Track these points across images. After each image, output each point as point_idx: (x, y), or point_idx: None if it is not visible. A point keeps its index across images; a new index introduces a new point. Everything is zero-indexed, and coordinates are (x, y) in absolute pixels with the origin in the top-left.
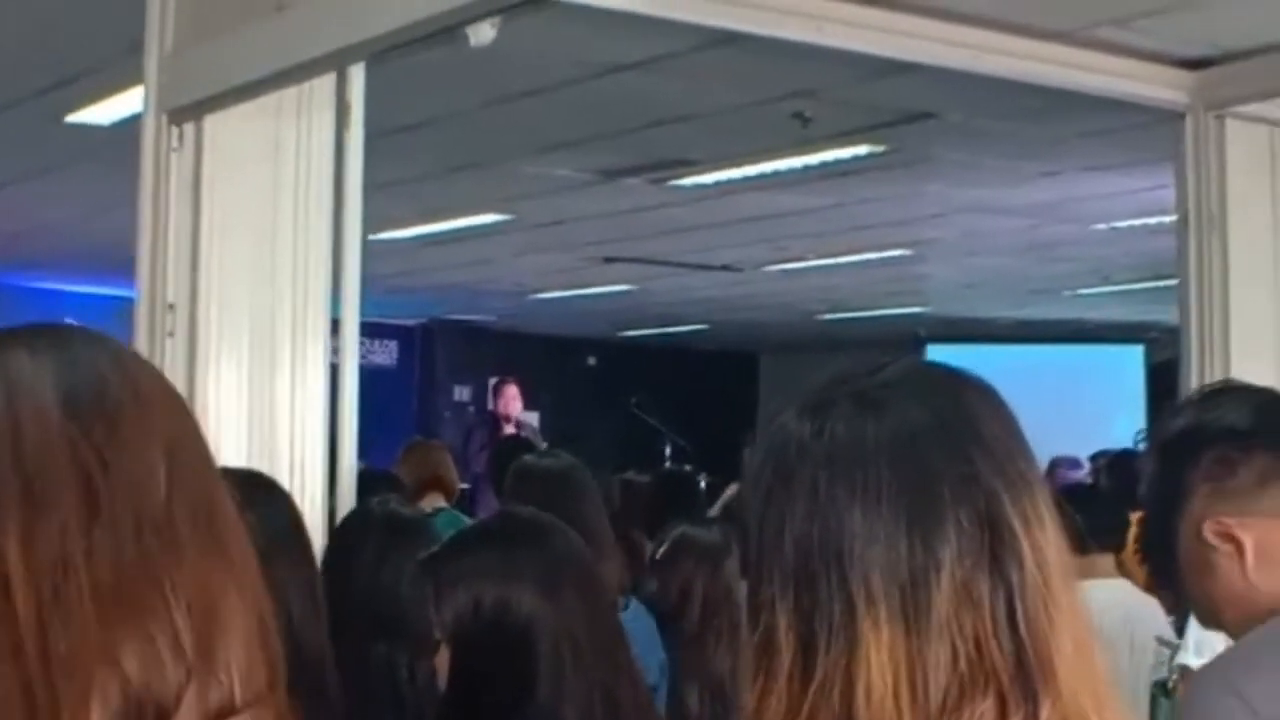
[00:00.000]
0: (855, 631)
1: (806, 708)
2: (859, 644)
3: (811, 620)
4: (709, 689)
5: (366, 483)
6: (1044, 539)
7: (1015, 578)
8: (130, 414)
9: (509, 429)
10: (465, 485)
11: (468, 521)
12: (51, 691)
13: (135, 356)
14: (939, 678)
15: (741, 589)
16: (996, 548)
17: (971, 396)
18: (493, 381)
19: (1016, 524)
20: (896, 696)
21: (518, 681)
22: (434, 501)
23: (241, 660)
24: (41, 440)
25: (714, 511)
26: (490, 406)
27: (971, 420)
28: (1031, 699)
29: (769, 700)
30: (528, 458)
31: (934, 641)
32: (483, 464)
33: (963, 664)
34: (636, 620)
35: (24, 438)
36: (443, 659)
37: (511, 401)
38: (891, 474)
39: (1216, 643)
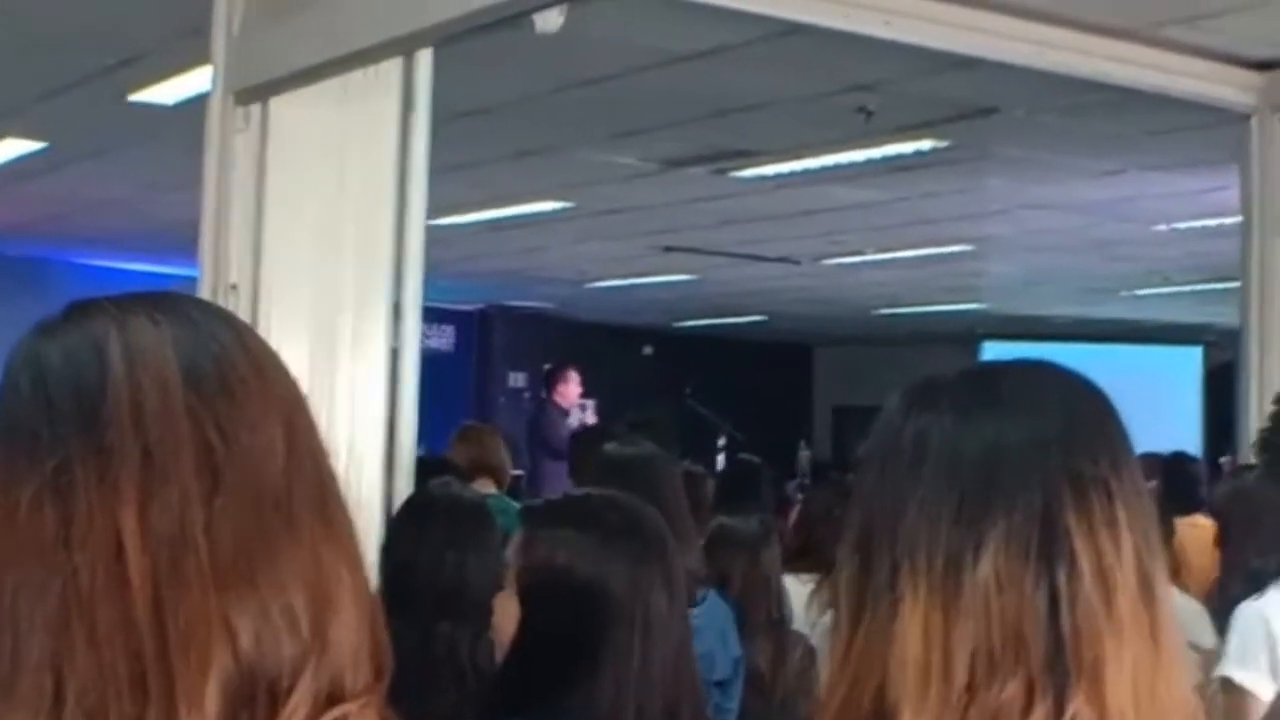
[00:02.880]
0: (895, 601)
1: (850, 670)
2: (897, 613)
3: (864, 588)
4: (747, 680)
5: (424, 469)
6: (1111, 547)
7: (1062, 575)
8: (253, 388)
9: (571, 419)
10: (518, 472)
11: (516, 507)
12: (165, 664)
13: (253, 331)
14: (965, 654)
15: (779, 579)
16: (1046, 544)
17: (1071, 398)
18: (546, 368)
19: (1074, 525)
20: (926, 666)
21: (586, 657)
22: (484, 487)
23: (353, 644)
24: (163, 409)
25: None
26: (545, 394)
27: (1060, 422)
28: (1060, 690)
29: (832, 655)
30: (609, 446)
31: (966, 620)
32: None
33: (997, 646)
34: (713, 612)
35: (145, 407)
36: (505, 606)
37: (571, 388)
38: (955, 462)
39: (1260, 653)
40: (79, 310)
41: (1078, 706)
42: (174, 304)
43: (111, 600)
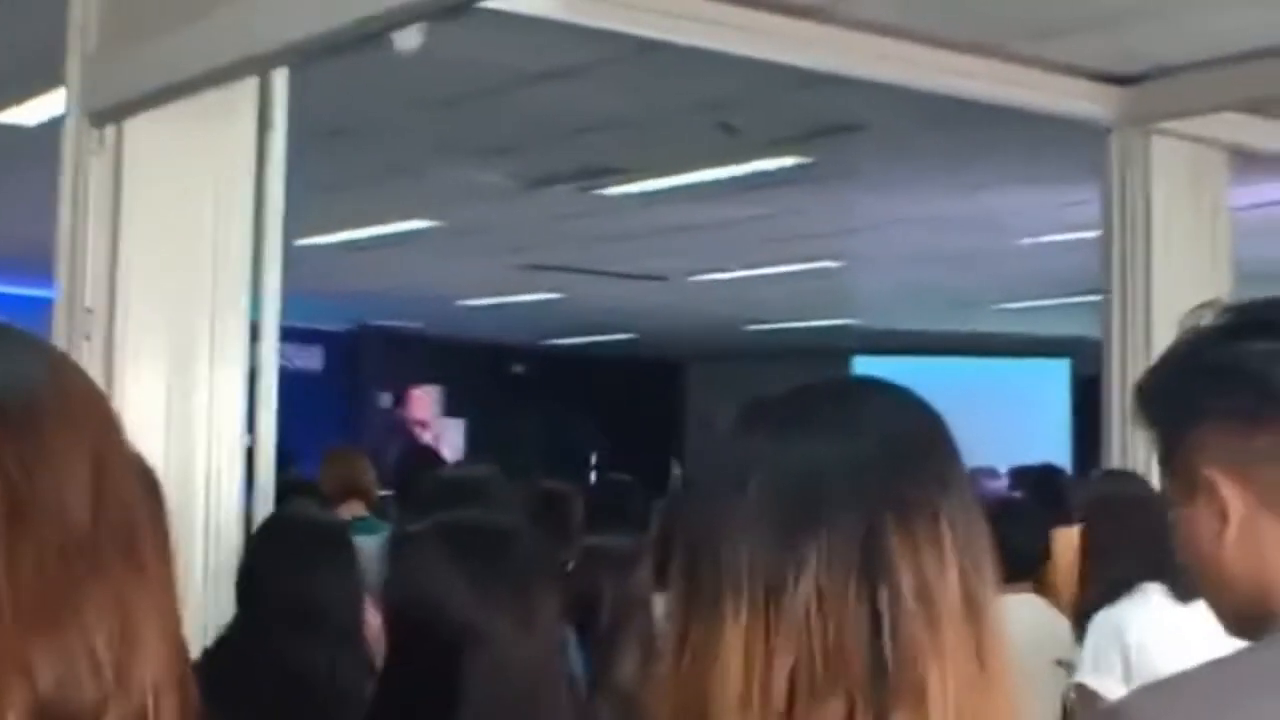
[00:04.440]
0: (718, 620)
1: (676, 692)
2: (720, 633)
3: (690, 610)
4: (618, 696)
5: (285, 491)
6: (935, 568)
7: (884, 596)
8: (60, 426)
9: (426, 435)
10: (386, 492)
11: (387, 529)
12: None
13: (67, 362)
14: (785, 675)
15: (653, 597)
16: (868, 565)
17: (896, 420)
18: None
19: (896, 546)
20: (747, 688)
21: (434, 684)
22: (354, 510)
23: (157, 686)
24: None
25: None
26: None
27: (883, 444)
28: (882, 710)
29: (655, 680)
30: (446, 469)
31: (787, 641)
32: None
33: (818, 665)
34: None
35: None
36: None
37: (419, 406)
38: (777, 484)
39: (1114, 660)
40: None
41: None
42: None
43: None
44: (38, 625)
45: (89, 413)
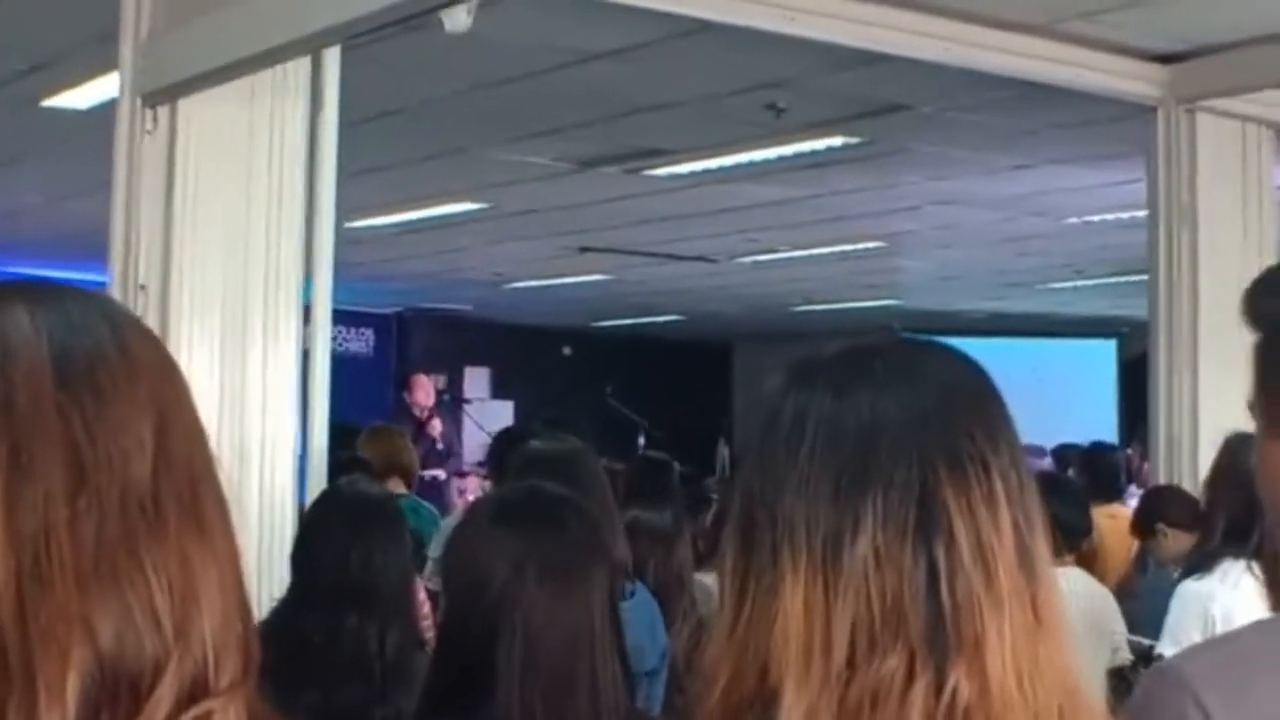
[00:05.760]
0: (776, 580)
1: (734, 650)
2: (779, 590)
3: (747, 568)
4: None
5: (340, 468)
6: (989, 521)
7: (940, 550)
8: (122, 386)
9: (431, 425)
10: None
11: (427, 508)
12: (27, 660)
13: (133, 322)
14: (845, 631)
15: (690, 571)
16: (924, 520)
17: (948, 376)
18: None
19: (951, 500)
20: (808, 644)
21: (478, 652)
22: (395, 487)
23: (218, 642)
24: (31, 408)
25: None
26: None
27: (936, 399)
28: (941, 663)
29: (713, 640)
30: (534, 443)
31: (845, 597)
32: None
33: (877, 622)
34: (641, 604)
35: (15, 404)
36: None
37: (419, 392)
38: (833, 440)
39: (1193, 632)
40: None
41: (958, 679)
42: (54, 297)
43: None
44: (98, 582)
45: (152, 372)
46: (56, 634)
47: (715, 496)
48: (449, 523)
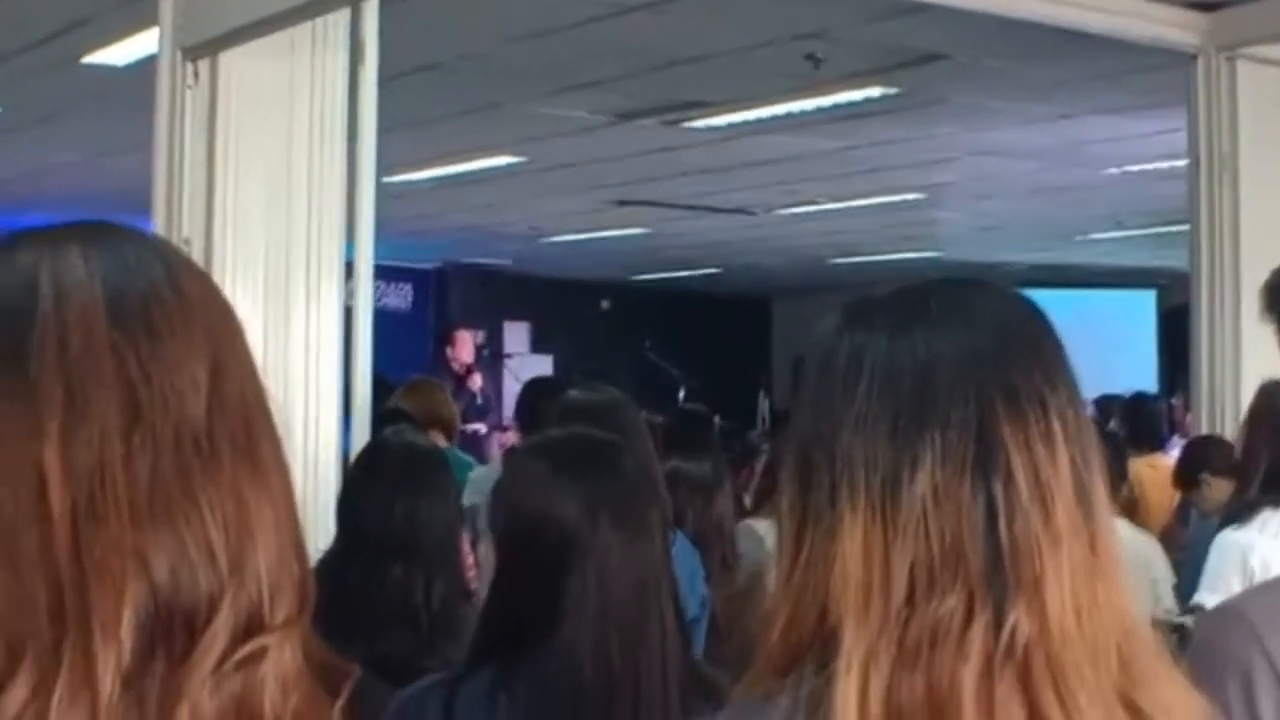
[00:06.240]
0: (835, 520)
1: (793, 590)
2: (837, 530)
3: (804, 508)
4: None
5: (385, 420)
6: (1047, 459)
7: (999, 488)
8: (177, 325)
9: (472, 379)
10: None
11: (469, 460)
12: (82, 596)
13: (187, 263)
14: (904, 569)
15: (731, 522)
16: (982, 457)
17: (1004, 315)
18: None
19: (1009, 438)
20: (867, 583)
21: (545, 598)
22: (435, 440)
23: (273, 578)
24: (86, 348)
25: None
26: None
27: (992, 337)
28: (1000, 602)
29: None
30: (573, 392)
31: (905, 536)
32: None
33: (936, 561)
34: (682, 554)
35: (69, 344)
36: (487, 553)
37: (462, 348)
38: (890, 379)
39: (1233, 581)
40: (12, 242)
41: (1018, 617)
42: (108, 237)
43: (33, 531)
44: (153, 519)
45: (207, 312)
46: (111, 569)
47: (765, 448)
48: (480, 473)
